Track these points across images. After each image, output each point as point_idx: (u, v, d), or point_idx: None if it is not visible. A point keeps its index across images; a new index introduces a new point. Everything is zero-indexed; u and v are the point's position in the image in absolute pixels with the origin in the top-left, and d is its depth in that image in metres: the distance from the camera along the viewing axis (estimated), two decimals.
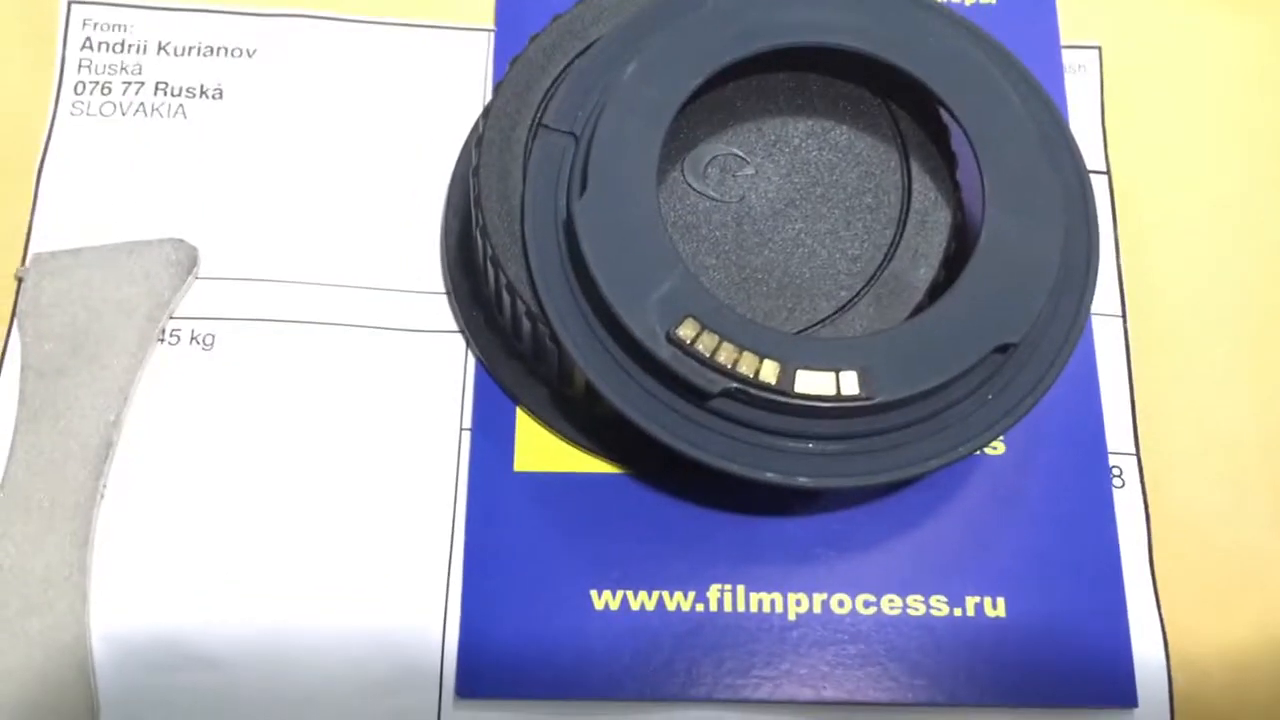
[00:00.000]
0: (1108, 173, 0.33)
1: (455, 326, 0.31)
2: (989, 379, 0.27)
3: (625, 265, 0.26)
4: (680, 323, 0.26)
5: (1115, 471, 0.30)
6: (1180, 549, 0.30)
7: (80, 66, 0.33)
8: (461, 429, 0.30)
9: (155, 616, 0.28)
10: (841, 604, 0.28)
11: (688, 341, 0.26)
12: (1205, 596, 0.29)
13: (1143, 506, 0.30)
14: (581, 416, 0.29)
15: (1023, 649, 0.28)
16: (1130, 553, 0.29)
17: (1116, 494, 0.30)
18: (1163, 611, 0.29)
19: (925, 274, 0.28)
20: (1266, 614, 0.29)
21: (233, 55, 0.33)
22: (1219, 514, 0.30)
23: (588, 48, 0.30)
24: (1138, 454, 0.30)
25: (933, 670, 0.28)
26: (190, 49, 0.33)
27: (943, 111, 0.29)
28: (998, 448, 0.30)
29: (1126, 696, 0.28)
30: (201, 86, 0.33)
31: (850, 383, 0.26)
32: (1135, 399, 0.31)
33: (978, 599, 0.29)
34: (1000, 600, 0.29)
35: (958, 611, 0.28)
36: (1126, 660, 0.28)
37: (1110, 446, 0.30)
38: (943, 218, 0.29)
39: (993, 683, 0.28)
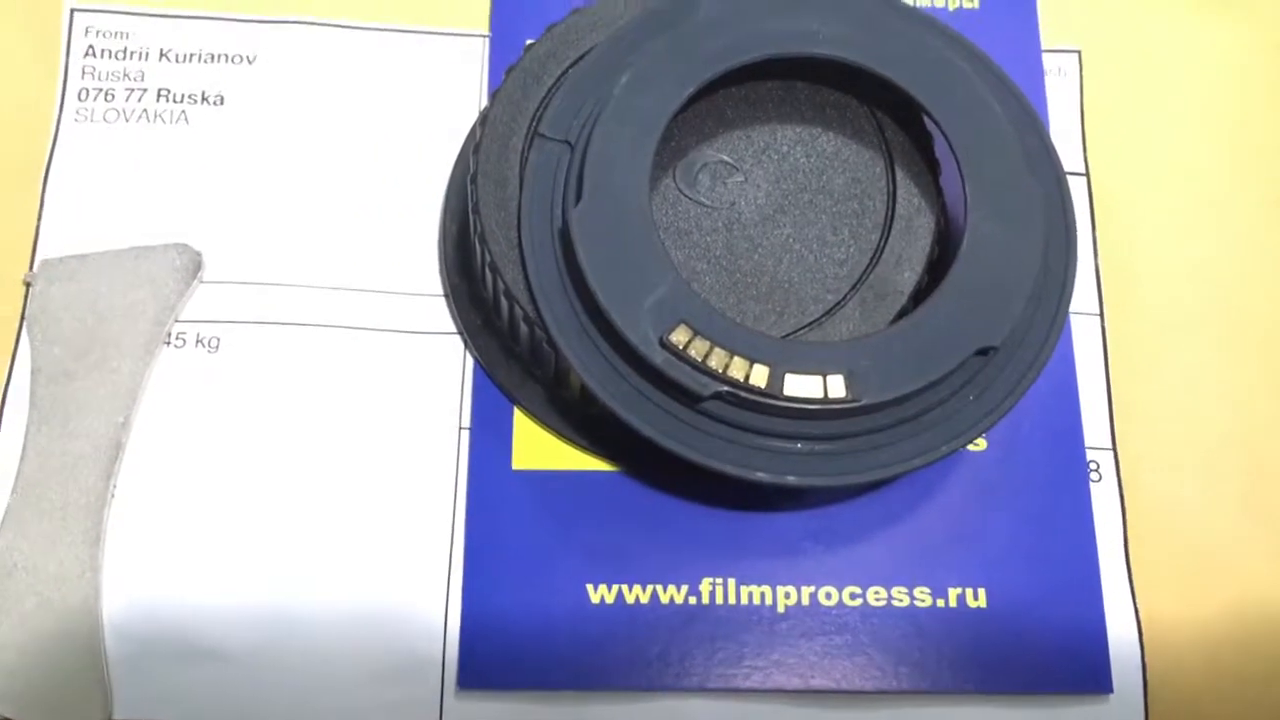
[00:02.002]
0: (1087, 175, 0.34)
1: (454, 329, 0.32)
2: (970, 380, 0.28)
3: (620, 272, 0.27)
4: (673, 328, 0.27)
5: (1093, 466, 0.31)
6: (1155, 541, 0.31)
7: (84, 73, 0.34)
8: (461, 428, 0.31)
9: (166, 612, 0.29)
10: (829, 596, 0.30)
11: (680, 346, 0.27)
12: (1179, 587, 0.30)
13: (1119, 500, 0.31)
14: (577, 416, 0.30)
15: (1003, 638, 0.29)
16: (1107, 545, 0.30)
17: (1094, 488, 0.31)
18: (1138, 602, 0.30)
19: (909, 278, 0.29)
20: (1238, 603, 0.30)
21: (233, 62, 0.34)
22: (1193, 507, 0.31)
23: (581, 58, 0.30)
24: (1114, 449, 0.31)
25: (916, 659, 0.29)
26: (191, 56, 0.34)
27: (926, 119, 0.30)
28: (979, 445, 0.31)
29: (1102, 683, 0.29)
30: (203, 93, 0.34)
31: (837, 386, 0.27)
32: (1112, 396, 0.32)
33: (960, 590, 0.30)
34: (981, 591, 0.30)
35: (940, 602, 0.29)
36: (1102, 648, 0.29)
37: (1088, 442, 0.31)
38: (926, 223, 0.30)
39: (974, 670, 0.29)
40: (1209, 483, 0.31)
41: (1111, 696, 0.29)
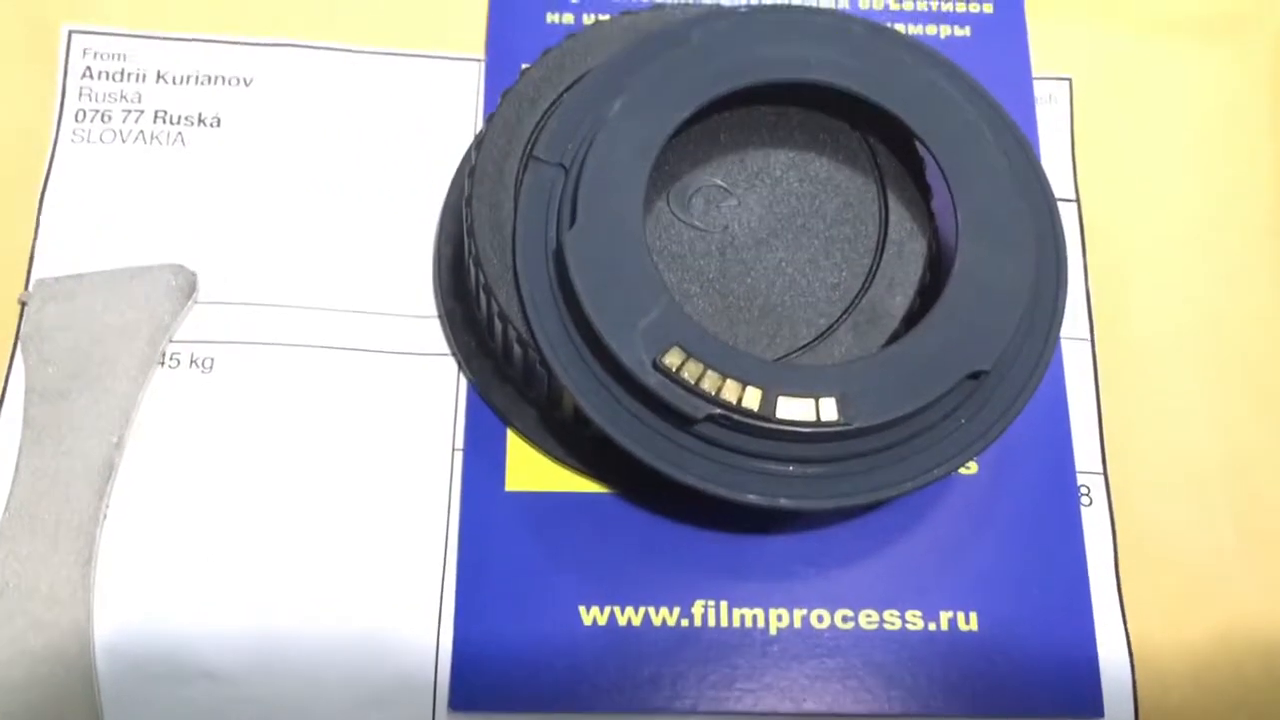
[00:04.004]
0: (1077, 201, 0.34)
1: (448, 350, 0.32)
2: (962, 404, 0.28)
3: (613, 294, 0.27)
4: (666, 351, 0.27)
5: (1083, 490, 0.31)
6: (1145, 565, 0.31)
7: (81, 94, 0.34)
8: (454, 449, 0.31)
9: (157, 631, 0.29)
10: (821, 619, 0.30)
11: (673, 369, 0.27)
12: (1169, 610, 0.30)
13: (1109, 524, 0.31)
14: (570, 438, 0.30)
15: (994, 661, 0.29)
16: (1097, 569, 0.30)
17: (1084, 512, 0.31)
18: (1128, 625, 0.30)
19: (901, 302, 0.29)
20: (1227, 627, 0.30)
21: (230, 84, 0.34)
22: (1182, 531, 0.31)
23: (576, 82, 0.31)
24: (1105, 473, 0.32)
25: (908, 682, 0.29)
26: (188, 78, 0.34)
27: (918, 145, 0.30)
28: (971, 468, 0.31)
29: (1093, 706, 0.29)
30: (200, 115, 0.34)
31: (829, 409, 0.27)
32: (1103, 420, 0.32)
33: (951, 613, 0.30)
34: (973, 615, 0.30)
35: (932, 626, 0.30)
36: (1093, 672, 0.29)
37: (1078, 466, 0.31)
38: (918, 248, 0.30)
39: (965, 694, 0.29)
40: (1199, 507, 0.31)
41: None
